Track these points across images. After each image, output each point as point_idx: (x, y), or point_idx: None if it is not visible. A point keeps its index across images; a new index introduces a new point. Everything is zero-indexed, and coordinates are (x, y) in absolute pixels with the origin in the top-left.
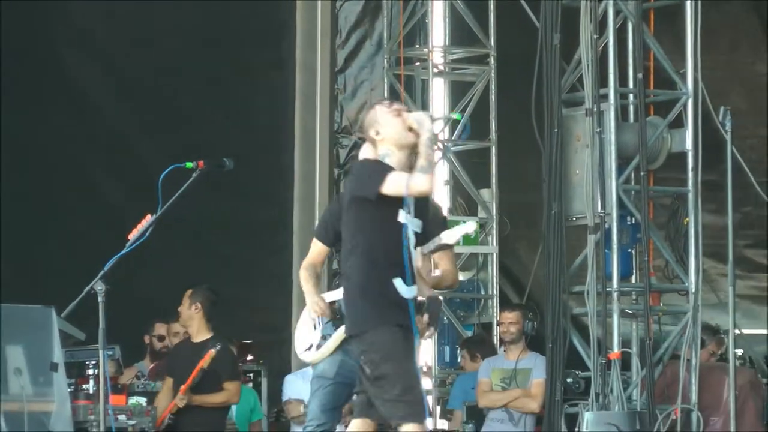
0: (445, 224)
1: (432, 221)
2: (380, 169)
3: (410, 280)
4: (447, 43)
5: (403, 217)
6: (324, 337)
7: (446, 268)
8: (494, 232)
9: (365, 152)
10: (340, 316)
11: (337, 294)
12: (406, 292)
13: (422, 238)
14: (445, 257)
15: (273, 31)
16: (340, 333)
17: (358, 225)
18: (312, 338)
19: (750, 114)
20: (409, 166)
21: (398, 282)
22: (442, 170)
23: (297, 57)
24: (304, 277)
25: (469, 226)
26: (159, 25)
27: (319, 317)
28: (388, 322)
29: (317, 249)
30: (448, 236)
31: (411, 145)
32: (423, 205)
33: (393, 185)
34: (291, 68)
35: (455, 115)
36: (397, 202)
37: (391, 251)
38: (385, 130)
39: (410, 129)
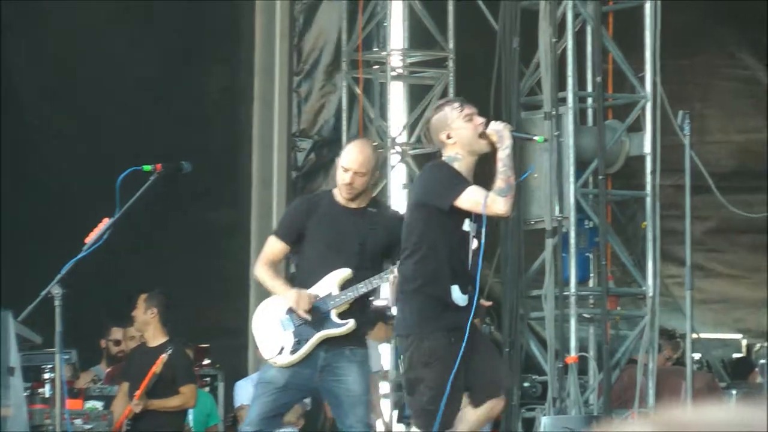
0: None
1: (398, 235)
2: (456, 180)
3: (475, 288)
4: (405, 46)
5: (468, 226)
6: (299, 341)
7: None
8: None
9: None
10: (314, 317)
11: (317, 290)
12: (460, 300)
13: (393, 252)
14: None
15: (231, 32)
16: (317, 337)
17: (423, 229)
18: (283, 340)
19: (714, 118)
20: (475, 172)
21: (455, 289)
22: (400, 173)
23: (255, 59)
24: (269, 275)
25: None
26: (115, 25)
27: (288, 318)
28: (439, 327)
29: (278, 248)
30: None
31: (482, 152)
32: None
33: (470, 202)
34: (249, 70)
35: (538, 138)
36: (465, 211)
37: (454, 258)
38: (458, 134)
39: (482, 136)
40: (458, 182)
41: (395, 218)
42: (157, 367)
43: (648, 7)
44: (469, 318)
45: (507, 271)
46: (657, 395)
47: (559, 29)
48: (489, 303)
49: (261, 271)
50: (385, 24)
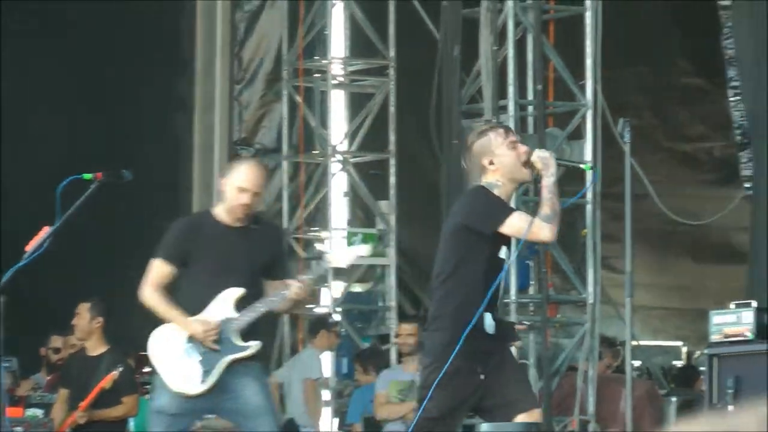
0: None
1: (282, 249)
2: (501, 205)
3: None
4: (346, 55)
5: (504, 253)
6: (207, 370)
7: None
8: (392, 243)
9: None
10: (219, 341)
11: (211, 312)
12: (490, 328)
13: (274, 268)
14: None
15: (172, 40)
16: (225, 363)
17: (462, 254)
18: (190, 370)
19: (660, 127)
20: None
21: (488, 318)
22: (341, 182)
23: (196, 67)
24: (162, 301)
25: (363, 249)
26: (58, 25)
27: (191, 345)
28: (466, 354)
29: (166, 271)
30: (340, 259)
31: (524, 181)
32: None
33: (514, 228)
34: (190, 78)
35: (584, 166)
36: (504, 238)
37: (489, 285)
38: (501, 161)
39: (525, 164)
40: (503, 207)
41: (277, 234)
42: (106, 383)
43: (588, 16)
44: (497, 344)
45: None
46: (597, 403)
47: (500, 37)
48: (524, 326)
49: (151, 296)
50: (326, 32)
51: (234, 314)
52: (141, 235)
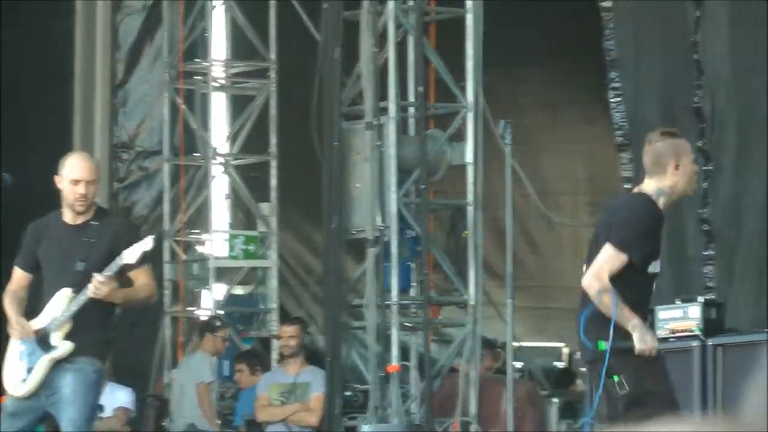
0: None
1: (122, 243)
2: (652, 243)
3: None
4: (228, 57)
5: (656, 267)
6: (29, 369)
7: (144, 282)
8: (274, 246)
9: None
10: (45, 343)
11: (42, 320)
12: None
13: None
14: (141, 273)
15: (51, 42)
16: (42, 362)
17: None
18: (19, 371)
19: (559, 128)
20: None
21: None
22: (222, 184)
23: (76, 70)
24: (8, 306)
25: (147, 243)
26: None
27: (23, 348)
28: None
29: (18, 277)
30: (129, 255)
31: (683, 196)
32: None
33: (606, 286)
34: (69, 80)
35: None
36: (655, 255)
37: (643, 298)
38: (685, 169)
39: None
40: (651, 249)
41: (118, 225)
42: None
43: (469, 18)
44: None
45: (329, 280)
46: (479, 404)
47: (381, 39)
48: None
49: (5, 301)
50: (206, 34)
51: (59, 314)
52: (20, 241)
